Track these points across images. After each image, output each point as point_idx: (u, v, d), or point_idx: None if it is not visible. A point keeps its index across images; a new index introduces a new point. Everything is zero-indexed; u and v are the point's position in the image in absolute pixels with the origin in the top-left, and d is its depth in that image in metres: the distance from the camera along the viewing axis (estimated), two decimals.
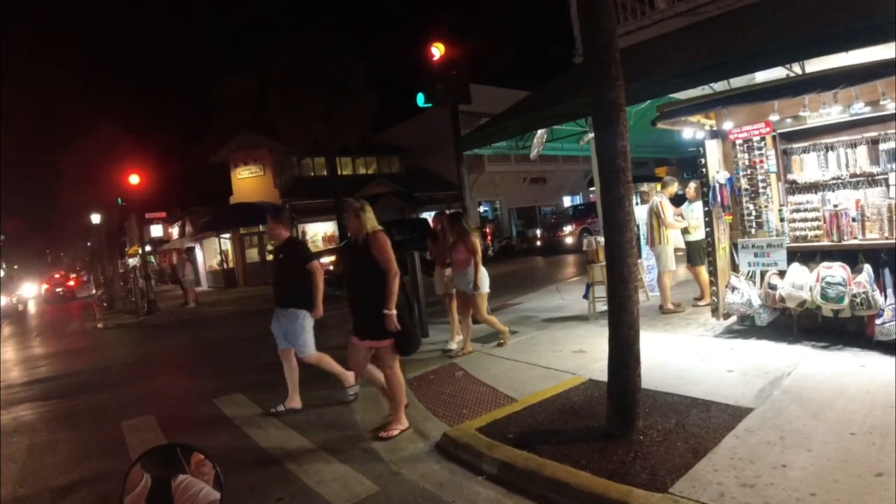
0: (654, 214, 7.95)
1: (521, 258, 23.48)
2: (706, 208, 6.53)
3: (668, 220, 7.93)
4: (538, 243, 26.12)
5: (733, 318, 6.48)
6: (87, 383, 9.09)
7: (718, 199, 6.34)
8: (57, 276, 55.38)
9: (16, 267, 69.24)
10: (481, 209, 31.73)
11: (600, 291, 7.76)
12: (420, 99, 9.32)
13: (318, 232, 27.40)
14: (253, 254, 26.74)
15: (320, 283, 5.89)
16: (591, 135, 9.37)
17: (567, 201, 34.45)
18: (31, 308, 38.88)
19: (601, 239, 7.95)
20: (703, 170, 6.51)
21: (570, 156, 24.50)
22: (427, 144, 30.32)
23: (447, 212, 7.85)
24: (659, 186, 9.72)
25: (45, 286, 60.79)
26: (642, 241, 8.62)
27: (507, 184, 31.84)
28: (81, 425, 6.60)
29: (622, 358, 3.97)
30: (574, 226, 24.05)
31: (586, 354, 6.16)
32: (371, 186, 27.84)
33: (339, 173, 23.85)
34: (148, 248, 35.27)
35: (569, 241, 22.85)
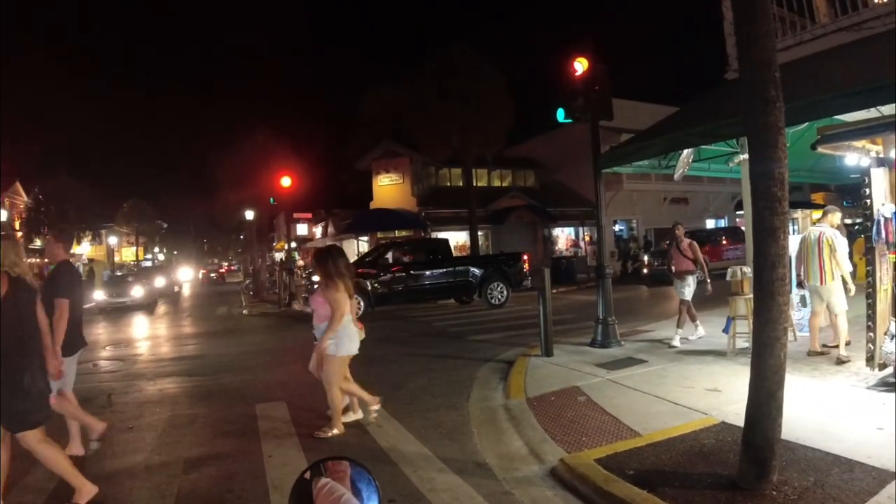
0: (828, 247, 7.01)
1: (652, 282, 22.45)
2: (868, 245, 5.81)
3: (840, 260, 6.84)
4: (644, 271, 23.05)
5: (890, 370, 5.74)
6: (227, 365, 9.76)
7: (883, 234, 5.61)
8: (211, 263, 60.67)
9: (175, 253, 76.47)
10: (616, 228, 30.81)
11: (742, 326, 7.28)
12: (560, 114, 9.19)
13: (451, 241, 27.84)
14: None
15: (61, 325, 4.85)
16: (743, 156, 8.80)
17: (710, 224, 32.56)
18: (186, 291, 42.53)
19: (747, 269, 7.38)
20: (868, 201, 5.76)
21: (716, 177, 23.16)
22: (563, 159, 29.93)
23: (323, 246, 6.99)
24: (815, 214, 8.92)
25: (201, 272, 66.76)
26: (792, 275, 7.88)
27: (645, 203, 30.68)
28: (219, 403, 7.12)
29: (762, 405, 3.63)
30: None
31: (721, 394, 5.72)
32: (504, 199, 27.90)
33: (474, 184, 24.14)
34: (293, 244, 37.65)
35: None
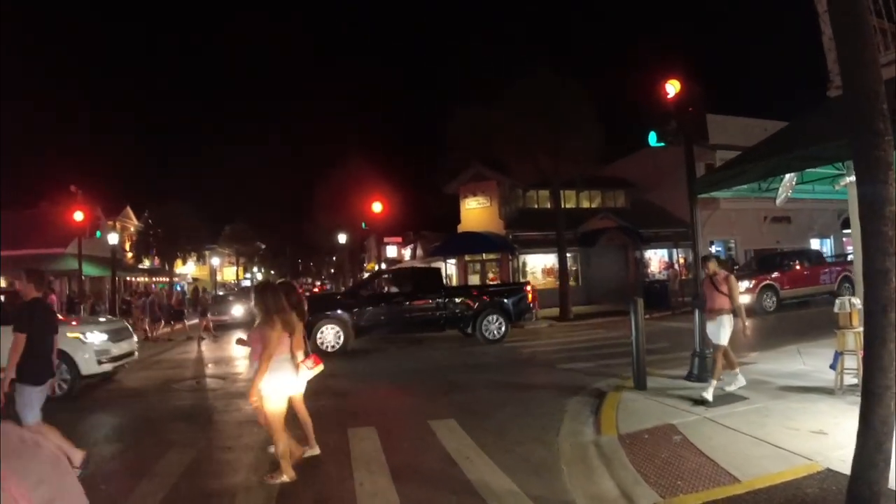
0: None
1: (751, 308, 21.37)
2: None
3: None
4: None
5: None
6: (321, 386, 10.02)
7: None
8: (305, 283, 62.84)
9: (272, 272, 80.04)
10: (713, 249, 29.56)
11: (851, 362, 6.82)
12: (652, 138, 9.02)
13: (538, 264, 27.57)
14: (475, 280, 27.78)
15: (13, 356, 5.28)
16: (849, 178, 8.28)
17: (815, 244, 30.63)
18: None
19: (856, 301, 6.93)
20: None
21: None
22: (654, 177, 29.15)
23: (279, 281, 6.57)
24: None
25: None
26: None
27: (744, 222, 29.24)
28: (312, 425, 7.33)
29: (870, 456, 3.39)
30: (752, 281, 18.50)
31: (827, 437, 5.35)
32: (594, 220, 27.45)
33: (562, 206, 23.89)
34: (383, 265, 38.53)
35: (745, 299, 16.22)
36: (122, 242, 33.70)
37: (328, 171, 34.25)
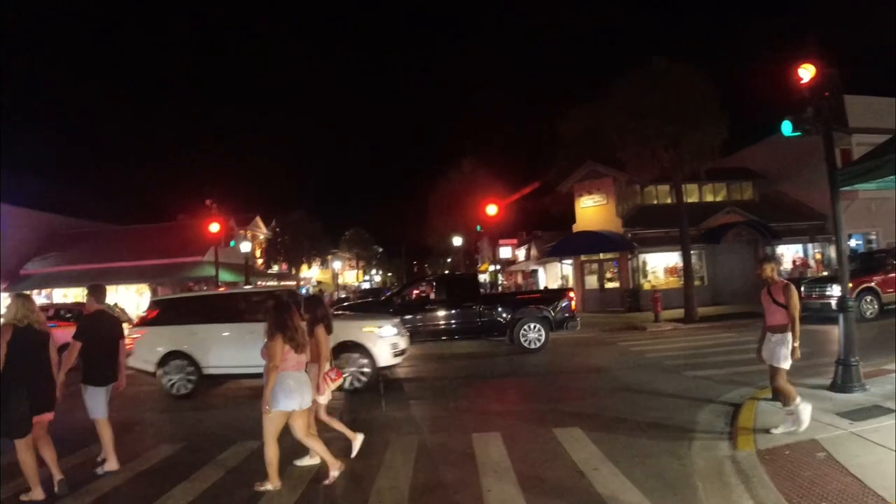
0: None
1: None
2: None
3: None
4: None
5: None
6: (447, 389, 10.20)
7: None
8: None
9: (389, 274, 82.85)
10: (852, 243, 27.13)
11: None
12: (786, 128, 8.41)
13: (660, 263, 26.49)
14: (592, 281, 27.21)
15: (68, 359, 6.23)
16: None
17: None
18: None
19: None
20: None
21: None
22: (785, 167, 27.21)
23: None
24: None
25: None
26: None
27: (886, 213, 26.47)
28: (438, 429, 7.50)
29: None
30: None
31: None
32: (719, 215, 26.01)
33: (684, 201, 22.76)
34: (496, 267, 38.59)
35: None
36: (253, 250, 35.85)
37: (444, 176, 34.72)
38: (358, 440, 6.37)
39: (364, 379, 10.13)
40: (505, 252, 35.86)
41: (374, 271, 73.90)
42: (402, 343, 10.91)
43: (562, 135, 29.45)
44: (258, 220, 44.21)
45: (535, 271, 31.72)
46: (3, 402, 5.37)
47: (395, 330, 10.61)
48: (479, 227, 27.95)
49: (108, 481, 6.09)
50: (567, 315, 14.96)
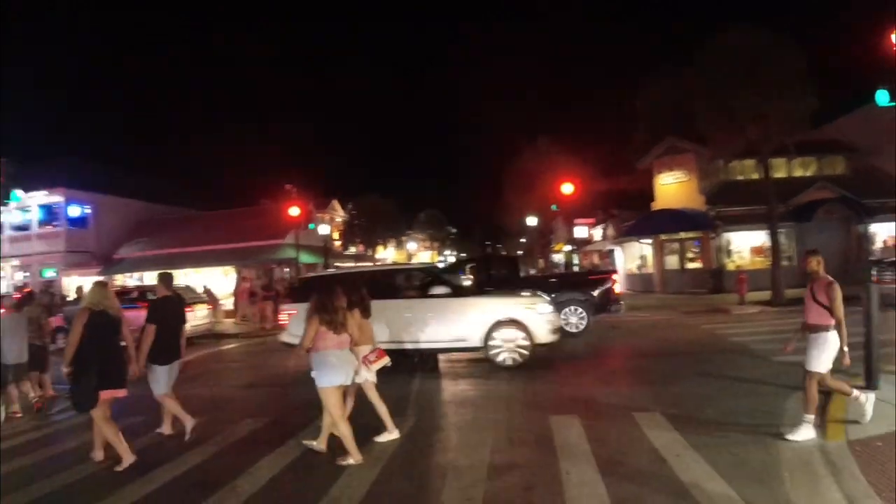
0: None
1: None
2: None
3: None
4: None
5: None
6: (523, 371, 10.21)
7: None
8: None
9: (463, 255, 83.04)
10: None
11: None
12: (881, 97, 7.96)
13: (745, 243, 25.36)
14: (672, 261, 26.42)
15: (144, 342, 6.79)
16: None
17: None
18: None
19: None
20: None
21: None
22: (879, 140, 25.22)
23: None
24: None
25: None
26: None
27: None
28: (516, 410, 7.56)
29: None
30: None
31: None
32: (810, 191, 24.62)
33: (771, 177, 21.61)
34: (570, 247, 38.11)
35: None
36: (331, 232, 36.74)
37: (518, 155, 34.44)
38: (391, 436, 6.42)
39: (524, 354, 10.26)
40: (580, 232, 35.19)
41: (447, 252, 74.39)
42: (557, 321, 11.07)
43: (640, 109, 28.53)
44: (335, 203, 45.20)
45: (611, 251, 31.07)
46: (76, 378, 6.02)
47: (550, 308, 10.67)
48: (553, 207, 27.54)
49: (196, 454, 6.47)
50: (610, 298, 14.72)
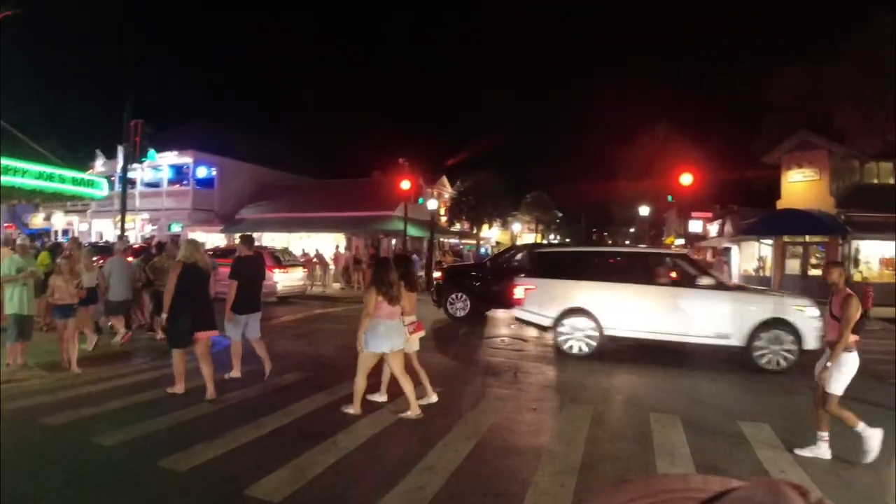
0: None
1: None
2: None
3: None
4: None
5: None
6: (625, 363, 10.04)
7: None
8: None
9: (567, 241, 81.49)
10: None
11: None
12: None
13: (875, 253, 23.30)
14: (794, 265, 24.79)
15: (230, 295, 7.92)
16: None
17: None
18: None
19: None
20: None
21: None
22: None
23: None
24: None
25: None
26: None
27: None
28: (615, 403, 7.51)
29: None
30: None
31: None
32: None
33: None
34: (681, 241, 36.57)
35: None
36: (438, 208, 37.21)
37: (635, 141, 33.29)
38: (428, 399, 6.96)
39: (790, 359, 9.54)
40: (695, 226, 33.58)
41: (552, 236, 73.36)
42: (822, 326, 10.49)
43: (770, 99, 26.81)
44: (444, 179, 45.69)
45: (727, 249, 29.50)
46: (173, 321, 7.05)
47: (818, 312, 9.79)
48: (670, 198, 26.47)
49: (301, 406, 6.92)
50: None
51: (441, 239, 32.85)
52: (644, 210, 29.52)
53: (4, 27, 11.22)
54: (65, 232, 36.00)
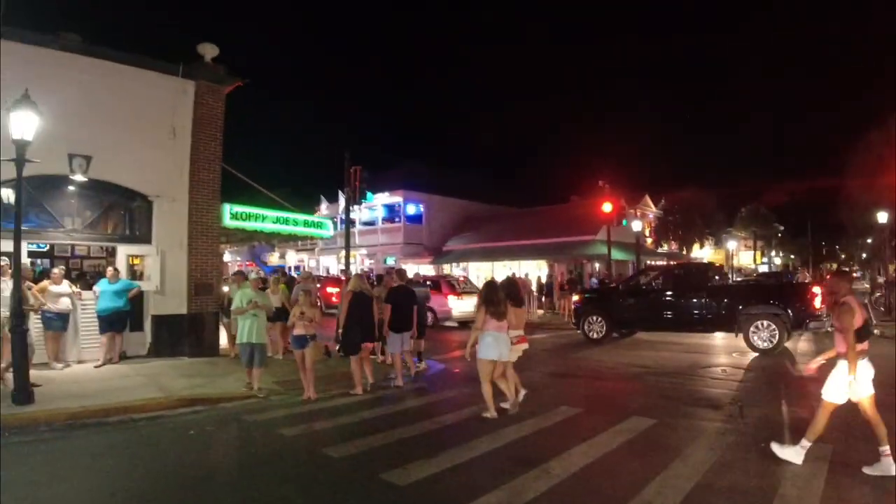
0: None
1: None
2: None
3: None
4: None
5: None
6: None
7: None
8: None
9: (792, 256, 72.82)
10: None
11: None
12: None
13: None
14: None
15: (385, 314, 10.06)
16: None
17: None
18: None
19: None
20: None
21: None
22: None
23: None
24: None
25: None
26: None
27: None
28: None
29: None
30: None
31: None
32: None
33: None
34: None
35: None
36: (642, 229, 35.98)
37: (867, 136, 29.24)
38: (516, 396, 7.98)
39: None
40: None
41: (773, 252, 66.59)
42: None
43: None
44: (647, 198, 44.07)
45: None
46: (346, 335, 9.21)
47: None
48: None
49: (513, 430, 6.99)
50: (808, 314, 13.02)
51: (647, 261, 31.52)
52: (882, 217, 25.58)
53: (239, 94, 13.03)
54: (296, 267, 40.90)
